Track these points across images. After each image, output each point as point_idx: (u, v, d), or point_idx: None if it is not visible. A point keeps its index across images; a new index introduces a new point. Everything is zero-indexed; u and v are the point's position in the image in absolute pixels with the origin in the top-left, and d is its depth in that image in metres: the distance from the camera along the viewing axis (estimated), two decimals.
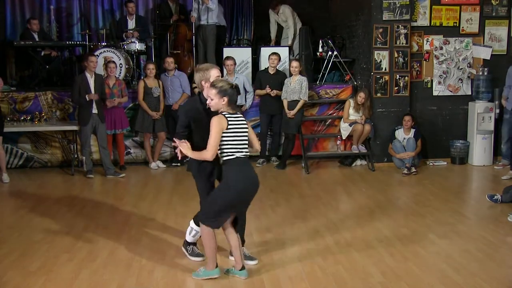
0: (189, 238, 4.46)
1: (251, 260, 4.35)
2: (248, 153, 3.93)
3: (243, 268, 4.04)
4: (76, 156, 7.86)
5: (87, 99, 7.22)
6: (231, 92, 3.84)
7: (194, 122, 4.06)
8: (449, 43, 8.28)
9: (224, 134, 3.81)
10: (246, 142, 3.94)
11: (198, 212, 4.27)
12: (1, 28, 9.88)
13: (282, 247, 4.72)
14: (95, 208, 5.98)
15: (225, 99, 3.82)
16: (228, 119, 3.82)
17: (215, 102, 3.84)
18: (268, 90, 7.94)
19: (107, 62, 7.82)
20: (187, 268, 4.26)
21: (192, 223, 4.42)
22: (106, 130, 7.56)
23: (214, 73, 4.11)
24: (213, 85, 3.86)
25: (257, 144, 4.13)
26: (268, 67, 8.17)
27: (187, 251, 4.49)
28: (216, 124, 3.78)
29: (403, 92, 8.11)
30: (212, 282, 4.02)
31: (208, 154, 3.81)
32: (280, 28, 9.83)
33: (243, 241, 4.36)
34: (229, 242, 4.12)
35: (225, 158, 3.87)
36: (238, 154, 3.86)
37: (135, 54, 8.94)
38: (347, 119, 8.03)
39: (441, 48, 8.29)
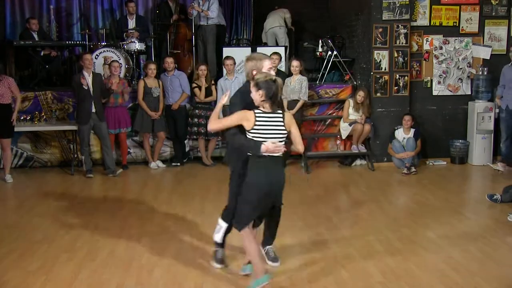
0: (217, 237, 4.25)
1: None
2: (278, 154, 3.72)
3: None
4: (75, 155, 7.86)
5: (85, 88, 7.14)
6: (267, 85, 3.65)
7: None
8: (448, 43, 8.29)
9: (252, 131, 3.67)
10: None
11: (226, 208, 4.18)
12: (1, 28, 9.87)
13: (282, 247, 4.71)
14: (95, 208, 5.98)
15: (261, 92, 3.66)
16: (257, 116, 3.67)
17: (253, 94, 3.71)
18: None
19: (111, 62, 7.82)
20: (186, 268, 4.26)
21: (220, 220, 4.22)
22: (110, 130, 7.57)
23: (267, 64, 3.94)
24: (253, 77, 3.75)
25: (299, 145, 3.88)
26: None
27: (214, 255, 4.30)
28: (239, 113, 3.70)
29: (403, 92, 8.11)
30: (212, 282, 4.02)
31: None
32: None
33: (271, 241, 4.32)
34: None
35: (249, 155, 3.75)
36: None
37: (135, 54, 8.93)
38: (347, 119, 8.02)
39: (441, 48, 8.29)
